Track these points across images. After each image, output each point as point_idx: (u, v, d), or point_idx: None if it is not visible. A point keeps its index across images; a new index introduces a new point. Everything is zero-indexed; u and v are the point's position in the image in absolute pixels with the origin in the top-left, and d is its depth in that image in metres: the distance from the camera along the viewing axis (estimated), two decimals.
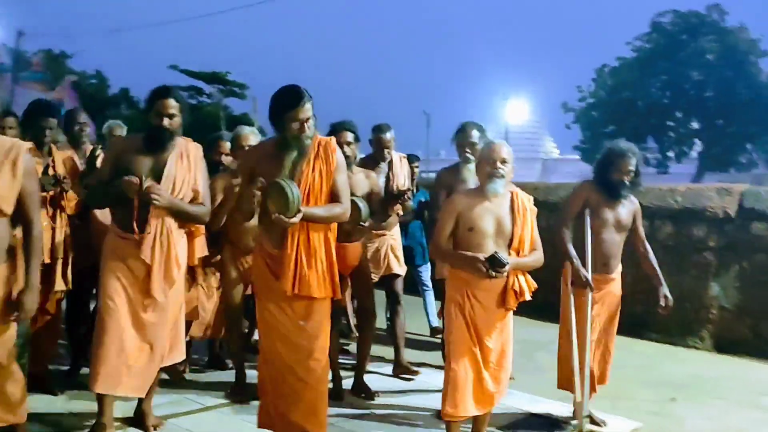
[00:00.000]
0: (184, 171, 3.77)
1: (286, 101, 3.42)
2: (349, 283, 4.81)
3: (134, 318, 3.69)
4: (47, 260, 4.05)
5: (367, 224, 4.40)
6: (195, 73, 27.41)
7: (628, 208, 4.34)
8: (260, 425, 3.64)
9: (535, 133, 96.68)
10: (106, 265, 3.71)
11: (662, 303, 4.24)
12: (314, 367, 3.49)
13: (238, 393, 4.54)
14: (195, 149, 3.88)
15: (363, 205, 4.25)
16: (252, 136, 4.74)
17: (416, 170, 6.67)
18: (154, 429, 3.95)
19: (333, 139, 3.68)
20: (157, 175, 3.68)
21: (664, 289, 4.26)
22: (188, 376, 4.87)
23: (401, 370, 5.22)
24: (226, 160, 4.94)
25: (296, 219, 3.29)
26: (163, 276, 3.70)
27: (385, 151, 5.15)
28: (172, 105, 3.74)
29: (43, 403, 4.09)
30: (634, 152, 4.21)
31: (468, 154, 4.70)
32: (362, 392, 4.69)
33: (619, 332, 4.67)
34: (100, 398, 3.71)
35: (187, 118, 3.87)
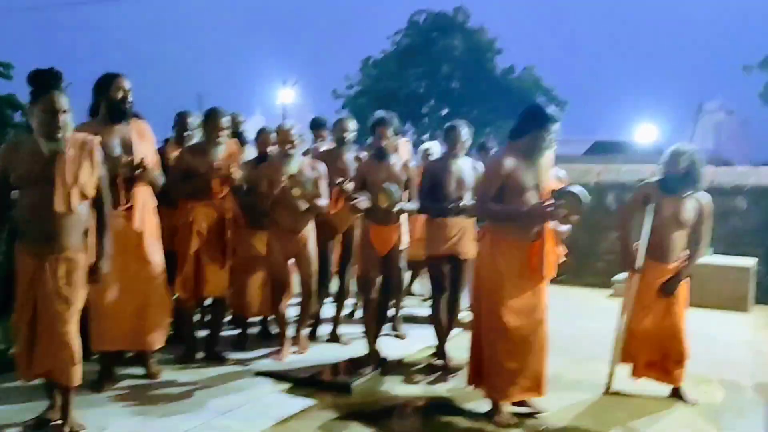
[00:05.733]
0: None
1: (541, 120, 3.97)
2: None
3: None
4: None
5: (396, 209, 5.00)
6: None
7: (691, 206, 4.50)
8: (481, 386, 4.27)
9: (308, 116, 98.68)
10: None
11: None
12: (545, 331, 4.17)
13: (281, 352, 5.33)
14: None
15: (396, 190, 4.90)
16: (294, 130, 5.18)
17: None
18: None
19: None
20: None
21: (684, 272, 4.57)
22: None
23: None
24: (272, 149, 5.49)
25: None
26: None
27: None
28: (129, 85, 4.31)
29: None
30: (684, 150, 4.46)
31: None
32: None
33: None
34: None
35: None
